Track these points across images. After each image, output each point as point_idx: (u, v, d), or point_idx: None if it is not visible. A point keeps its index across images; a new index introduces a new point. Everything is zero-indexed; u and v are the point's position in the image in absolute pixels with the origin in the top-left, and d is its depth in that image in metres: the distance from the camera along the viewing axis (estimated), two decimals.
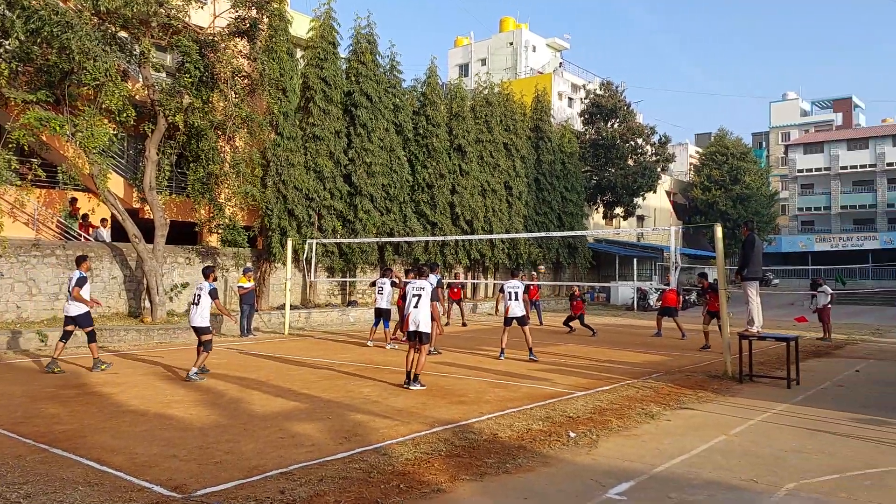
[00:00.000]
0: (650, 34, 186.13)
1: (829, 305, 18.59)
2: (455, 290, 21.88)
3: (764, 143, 79.60)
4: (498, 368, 11.78)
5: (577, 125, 39.40)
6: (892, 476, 5.69)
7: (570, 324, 19.42)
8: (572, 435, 6.92)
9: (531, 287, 21.03)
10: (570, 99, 46.45)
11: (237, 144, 19.51)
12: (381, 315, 14.82)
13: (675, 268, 11.97)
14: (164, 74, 19.74)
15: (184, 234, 20.54)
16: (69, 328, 11.04)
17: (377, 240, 22.26)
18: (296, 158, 20.88)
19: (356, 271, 23.80)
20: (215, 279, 10.90)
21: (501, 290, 13.38)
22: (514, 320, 12.86)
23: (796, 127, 77.55)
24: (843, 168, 62.35)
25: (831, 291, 18.86)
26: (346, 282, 23.62)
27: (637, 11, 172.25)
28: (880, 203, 59.73)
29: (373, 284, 16.08)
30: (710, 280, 15.47)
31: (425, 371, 10.37)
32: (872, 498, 5.16)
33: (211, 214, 19.38)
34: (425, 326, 9.49)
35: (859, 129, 71.38)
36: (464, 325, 21.14)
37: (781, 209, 64.28)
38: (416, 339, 9.59)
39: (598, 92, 38.02)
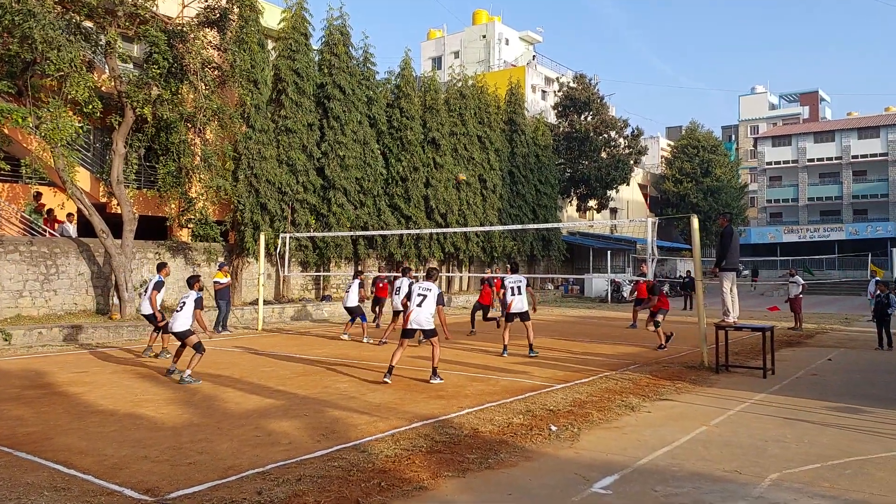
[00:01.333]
0: (620, 29, 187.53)
1: (801, 295, 18.87)
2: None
3: (733, 137, 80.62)
4: (475, 362, 11.70)
5: (551, 118, 39.45)
6: (871, 464, 5.71)
7: (490, 317, 17.55)
8: (554, 428, 6.86)
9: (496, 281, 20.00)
10: (544, 92, 46.49)
11: (208, 137, 19.12)
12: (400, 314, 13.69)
13: (652, 259, 11.96)
14: (131, 65, 19.26)
15: (153, 229, 20.11)
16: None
17: (351, 233, 22.06)
18: (268, 151, 20.56)
19: (330, 265, 23.56)
20: (201, 288, 10.70)
21: (503, 286, 12.97)
22: (518, 316, 12.52)
23: (764, 120, 78.74)
24: (810, 161, 63.46)
25: (803, 282, 19.14)
26: (319, 276, 23.37)
27: (607, 6, 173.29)
28: (846, 195, 60.94)
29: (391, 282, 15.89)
30: (652, 279, 14.89)
31: (402, 365, 10.26)
32: (854, 486, 5.17)
33: (181, 209, 18.99)
34: (427, 325, 9.53)
35: (825, 122, 72.72)
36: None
37: (751, 201, 65.31)
38: (412, 336, 9.85)
39: (571, 85, 38.09)
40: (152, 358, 12.04)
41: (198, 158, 18.57)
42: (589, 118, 37.01)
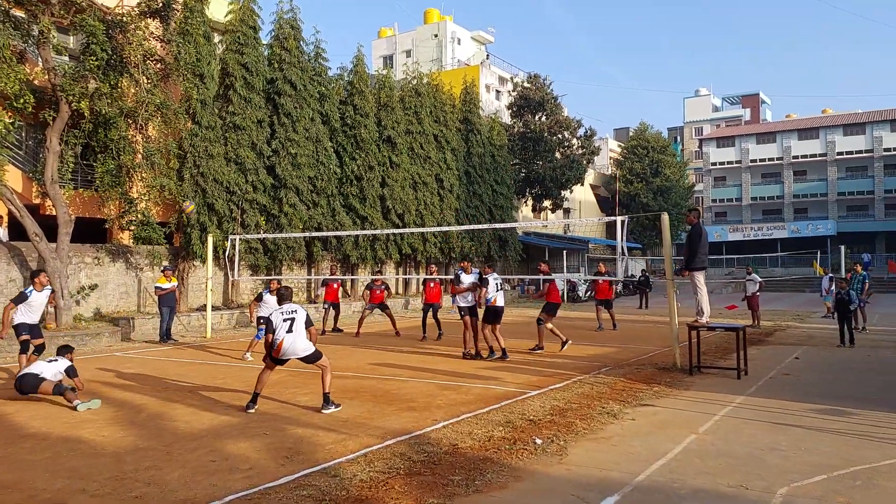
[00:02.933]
0: (567, 33, 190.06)
1: (758, 293, 18.96)
2: (377, 293, 17.27)
3: (679, 138, 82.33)
4: (442, 368, 11.16)
5: (506, 118, 39.26)
6: (880, 474, 5.40)
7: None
8: (539, 441, 6.37)
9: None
10: (498, 92, 46.29)
11: (150, 134, 18.04)
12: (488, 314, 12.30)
13: (623, 259, 11.65)
14: (66, 57, 18.02)
15: (91, 232, 18.90)
16: None
17: (304, 235, 21.21)
18: (215, 149, 19.58)
19: (282, 269, 22.68)
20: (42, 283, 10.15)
21: (482, 284, 11.98)
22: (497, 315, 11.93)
23: (708, 122, 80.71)
24: (752, 161, 65.18)
25: (760, 279, 19.24)
26: (271, 280, 22.39)
27: (553, 9, 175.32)
28: (787, 194, 62.78)
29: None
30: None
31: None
32: (869, 500, 4.83)
33: (122, 210, 17.87)
34: (307, 350, 7.98)
35: (767, 123, 74.86)
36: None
37: (697, 201, 66.67)
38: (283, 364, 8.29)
39: (525, 84, 37.95)
40: None
41: (139, 156, 17.51)
42: (543, 118, 36.93)
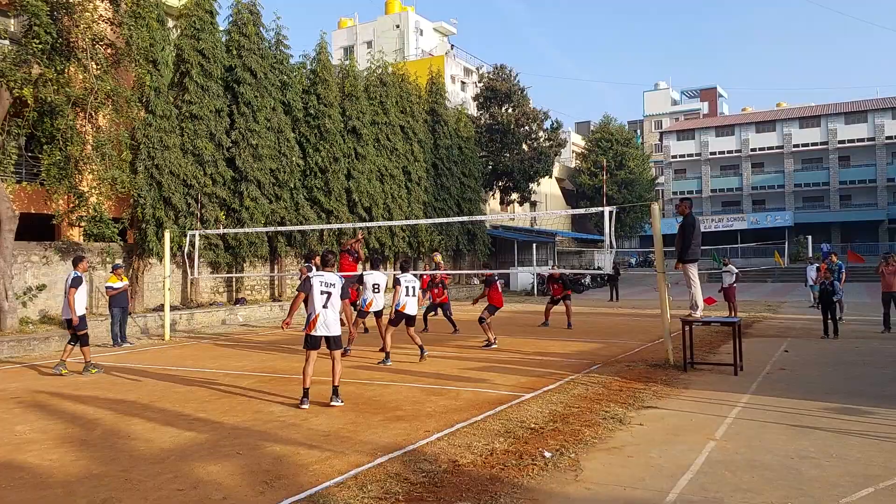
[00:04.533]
0: (524, 26, 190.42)
1: (735, 284, 18.73)
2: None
3: (639, 131, 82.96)
4: (424, 370, 10.46)
5: (472, 110, 38.62)
6: None
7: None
8: (548, 455, 5.74)
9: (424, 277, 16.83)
10: (463, 83, 45.60)
11: (100, 123, 16.87)
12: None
13: (611, 251, 11.12)
14: (6, 41, 16.70)
15: (38, 229, 17.65)
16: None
17: (267, 229, 20.23)
18: (171, 140, 18.47)
19: (244, 266, 21.65)
20: (84, 270, 9.32)
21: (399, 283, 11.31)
22: (406, 319, 11.25)
23: (667, 115, 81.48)
24: (712, 154, 65.96)
25: (736, 270, 19.02)
26: (232, 278, 21.40)
27: (510, 3, 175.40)
28: (746, 186, 63.66)
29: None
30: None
31: (345, 379, 8.91)
32: None
33: (72, 205, 16.69)
34: (336, 329, 7.87)
35: (726, 116, 75.95)
36: None
37: (658, 193, 67.19)
38: (318, 346, 7.96)
39: (492, 76, 37.33)
40: (62, 374, 10.50)
41: (89, 147, 16.31)
42: (510, 110, 36.38)
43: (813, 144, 61.33)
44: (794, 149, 61.86)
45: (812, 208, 61.17)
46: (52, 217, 16.83)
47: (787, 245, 47.11)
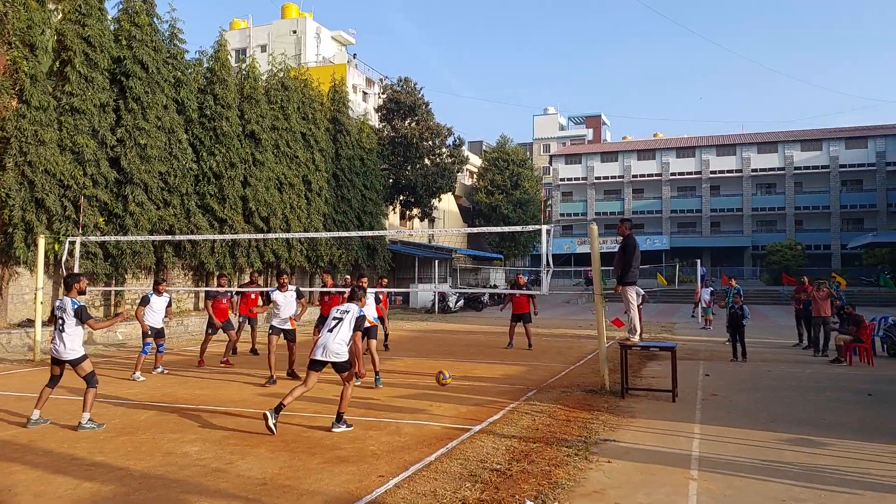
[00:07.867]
0: (416, 45, 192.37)
1: (640, 306, 18.96)
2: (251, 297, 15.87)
3: (529, 153, 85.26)
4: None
5: (374, 121, 37.78)
6: None
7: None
8: None
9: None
10: (365, 93, 44.65)
11: None
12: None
13: (548, 272, 10.70)
14: None
15: None
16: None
17: (153, 238, 18.33)
18: (47, 134, 16.38)
19: (126, 278, 19.59)
20: (82, 292, 7.69)
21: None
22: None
23: (555, 140, 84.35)
24: (597, 178, 68.90)
25: (643, 292, 19.29)
26: (111, 291, 19.27)
27: (399, 20, 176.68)
28: (627, 210, 66.80)
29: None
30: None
31: (258, 408, 7.83)
32: None
33: None
34: (342, 355, 7.58)
35: (611, 143, 79.65)
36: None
37: (546, 215, 69.13)
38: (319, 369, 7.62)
39: (396, 88, 36.71)
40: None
41: None
42: (413, 124, 35.88)
43: (688, 173, 65.42)
44: (671, 177, 65.69)
45: (686, 233, 65.07)
46: None
47: (663, 267, 49.66)
